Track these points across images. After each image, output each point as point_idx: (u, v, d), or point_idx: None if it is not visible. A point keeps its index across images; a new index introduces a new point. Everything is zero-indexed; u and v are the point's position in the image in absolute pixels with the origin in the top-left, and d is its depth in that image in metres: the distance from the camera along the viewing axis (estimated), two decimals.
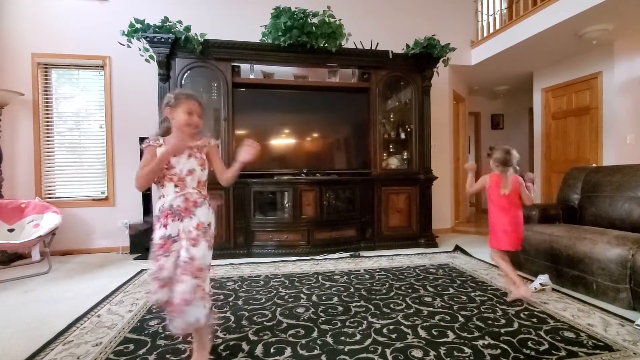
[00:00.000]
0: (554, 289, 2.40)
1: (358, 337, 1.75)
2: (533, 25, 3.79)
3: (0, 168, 3.41)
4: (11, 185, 3.61)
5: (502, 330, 1.80)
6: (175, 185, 1.44)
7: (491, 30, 4.57)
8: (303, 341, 1.72)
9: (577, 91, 4.46)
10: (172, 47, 3.29)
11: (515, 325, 1.87)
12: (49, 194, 3.79)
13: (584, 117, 4.37)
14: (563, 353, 1.58)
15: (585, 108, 4.35)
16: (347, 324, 1.91)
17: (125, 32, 3.26)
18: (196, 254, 1.37)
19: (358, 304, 2.20)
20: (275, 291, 2.45)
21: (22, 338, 1.79)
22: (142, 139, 3.54)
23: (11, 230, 3.13)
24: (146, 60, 3.38)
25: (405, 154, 4.05)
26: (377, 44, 3.85)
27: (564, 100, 4.66)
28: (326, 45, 3.55)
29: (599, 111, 4.16)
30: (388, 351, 1.61)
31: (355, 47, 3.81)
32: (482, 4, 4.82)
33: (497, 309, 2.09)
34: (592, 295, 2.27)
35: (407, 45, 3.84)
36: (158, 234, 1.41)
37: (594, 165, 4.00)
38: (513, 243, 2.27)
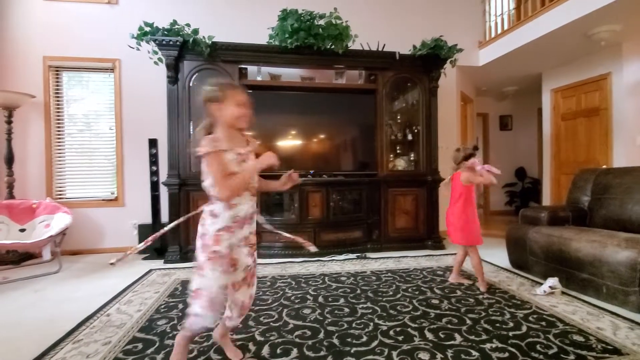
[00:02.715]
0: (563, 292, 2.38)
1: (364, 338, 1.75)
2: (541, 26, 3.76)
3: (12, 169, 3.48)
4: (23, 186, 3.68)
5: (510, 334, 1.79)
6: (252, 194, 1.43)
7: (499, 31, 4.54)
8: (309, 342, 1.72)
9: (587, 92, 4.41)
10: (180, 49, 3.33)
11: (524, 328, 1.85)
12: (60, 195, 3.85)
13: (594, 118, 4.31)
14: (572, 357, 1.56)
15: (595, 109, 4.29)
16: (354, 325, 1.91)
17: (135, 35, 3.31)
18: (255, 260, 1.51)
19: (364, 305, 2.20)
20: (281, 292, 2.45)
21: (33, 337, 1.83)
22: (151, 141, 3.61)
23: (22, 230, 3.20)
24: (155, 62, 3.42)
25: (412, 155, 4.04)
26: (384, 45, 3.85)
27: (574, 101, 4.61)
28: (333, 46, 3.56)
29: (609, 112, 4.10)
30: (394, 353, 1.60)
31: (362, 49, 3.81)
32: (490, 4, 4.79)
33: (505, 312, 2.07)
34: (601, 299, 2.24)
35: (414, 47, 3.84)
36: (226, 243, 1.35)
37: (604, 166, 3.95)
38: (455, 236, 2.52)
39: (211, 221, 1.37)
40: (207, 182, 1.37)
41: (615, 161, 4.01)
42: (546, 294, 2.34)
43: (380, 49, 3.83)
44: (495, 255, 3.41)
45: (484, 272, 2.50)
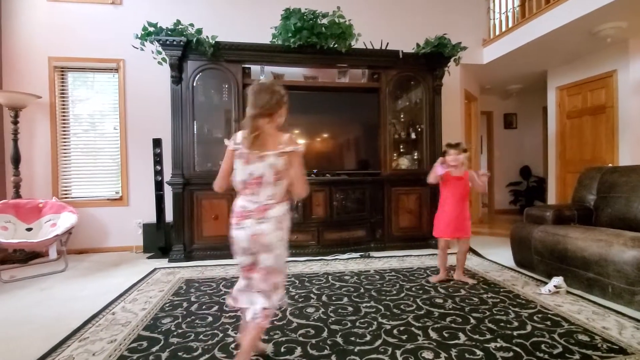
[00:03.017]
0: (568, 292, 2.36)
1: (368, 337, 1.76)
2: (546, 23, 3.72)
3: (18, 169, 3.52)
4: (29, 186, 3.71)
5: (515, 333, 1.78)
6: None
7: (503, 29, 4.51)
8: (313, 341, 1.73)
9: (593, 89, 4.37)
10: (184, 49, 3.34)
11: (529, 328, 1.84)
12: (66, 194, 3.88)
13: (600, 116, 4.27)
14: (577, 356, 1.55)
15: (601, 107, 4.25)
16: (357, 324, 1.91)
17: (139, 36, 3.32)
18: None
19: (368, 304, 2.20)
20: (285, 291, 2.45)
21: (40, 335, 1.85)
22: (155, 140, 3.62)
23: (29, 230, 3.23)
24: (159, 62, 3.43)
25: (416, 154, 4.02)
26: (387, 43, 3.83)
27: (579, 99, 4.57)
28: (336, 45, 3.55)
29: (615, 110, 4.06)
30: (398, 352, 1.60)
31: (365, 47, 3.80)
32: (494, 2, 4.75)
33: (509, 311, 2.06)
34: (607, 298, 2.22)
35: (418, 45, 3.82)
36: None
37: (610, 165, 3.91)
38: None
39: (289, 220, 1.46)
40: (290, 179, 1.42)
41: (622, 159, 3.97)
42: (551, 293, 2.32)
43: (383, 48, 3.82)
44: (500, 255, 3.39)
45: (446, 266, 2.69)
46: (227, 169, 1.46)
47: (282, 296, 1.50)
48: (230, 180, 1.46)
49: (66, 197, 3.85)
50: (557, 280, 2.38)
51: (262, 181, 1.38)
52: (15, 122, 3.49)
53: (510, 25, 4.41)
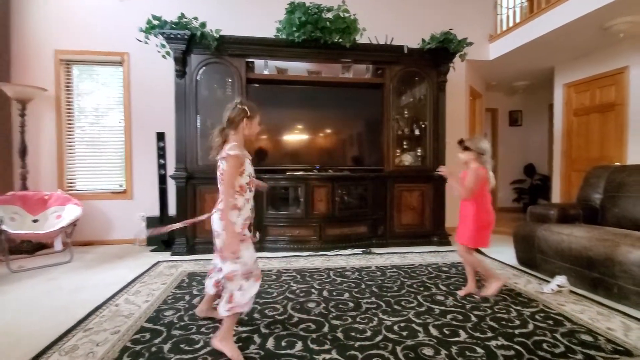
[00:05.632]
0: (571, 291, 2.34)
1: (369, 333, 1.76)
2: (555, 18, 3.66)
3: (25, 161, 3.55)
4: (35, 178, 3.75)
5: (516, 332, 1.77)
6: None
7: (511, 24, 4.44)
8: (314, 335, 1.73)
9: (602, 86, 4.29)
10: (188, 43, 3.33)
11: (530, 326, 1.83)
12: (71, 187, 3.91)
13: (609, 113, 4.20)
14: (580, 356, 1.54)
15: (610, 104, 4.18)
16: (358, 319, 1.91)
17: (143, 29, 3.32)
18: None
19: (369, 300, 2.20)
20: (286, 286, 2.47)
21: (46, 324, 1.88)
22: (159, 134, 3.64)
23: (35, 221, 3.26)
24: (163, 56, 3.43)
25: (419, 150, 3.99)
26: (392, 38, 3.79)
27: (587, 96, 4.50)
28: (340, 40, 3.52)
29: (625, 108, 3.99)
30: (399, 348, 1.61)
31: (369, 42, 3.77)
32: None
33: (511, 309, 2.05)
34: (612, 299, 2.20)
35: (423, 40, 3.78)
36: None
37: (618, 164, 3.85)
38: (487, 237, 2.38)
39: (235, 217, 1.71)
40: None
41: (630, 159, 3.91)
42: (554, 292, 2.31)
43: (388, 43, 3.78)
44: (502, 253, 3.37)
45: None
46: None
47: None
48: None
49: (71, 190, 3.88)
50: (560, 279, 2.37)
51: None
52: (23, 115, 3.52)
53: (517, 20, 4.34)
